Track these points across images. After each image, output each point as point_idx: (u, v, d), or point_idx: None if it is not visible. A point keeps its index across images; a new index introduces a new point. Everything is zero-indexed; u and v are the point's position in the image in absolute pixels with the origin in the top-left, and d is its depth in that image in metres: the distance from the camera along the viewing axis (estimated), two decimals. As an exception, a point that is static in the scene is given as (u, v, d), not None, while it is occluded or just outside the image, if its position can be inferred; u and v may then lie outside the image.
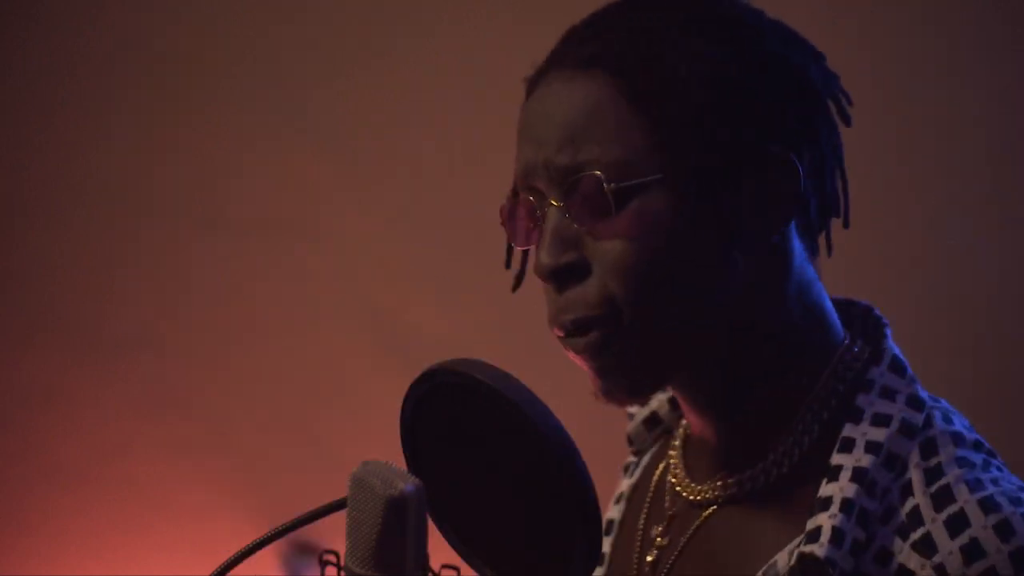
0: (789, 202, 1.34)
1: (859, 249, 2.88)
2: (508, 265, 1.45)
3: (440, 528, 1.29)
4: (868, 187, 2.87)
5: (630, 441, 1.53)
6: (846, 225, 1.40)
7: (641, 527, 1.47)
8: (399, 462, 1.28)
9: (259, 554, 1.27)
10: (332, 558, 1.23)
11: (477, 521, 1.27)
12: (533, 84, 1.43)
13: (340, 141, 3.08)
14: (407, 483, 1.19)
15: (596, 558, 1.23)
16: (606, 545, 1.50)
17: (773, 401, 1.37)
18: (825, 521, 1.29)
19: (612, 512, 1.52)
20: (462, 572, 1.41)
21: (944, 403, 1.38)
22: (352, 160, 3.09)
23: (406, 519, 1.19)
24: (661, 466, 1.47)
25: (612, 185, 1.31)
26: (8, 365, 3.18)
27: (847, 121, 1.41)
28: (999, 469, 1.35)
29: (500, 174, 3.13)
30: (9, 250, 3.16)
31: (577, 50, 1.37)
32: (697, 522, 1.41)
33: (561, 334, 1.36)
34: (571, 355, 1.36)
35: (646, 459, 1.53)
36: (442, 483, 1.26)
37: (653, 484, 1.48)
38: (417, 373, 1.27)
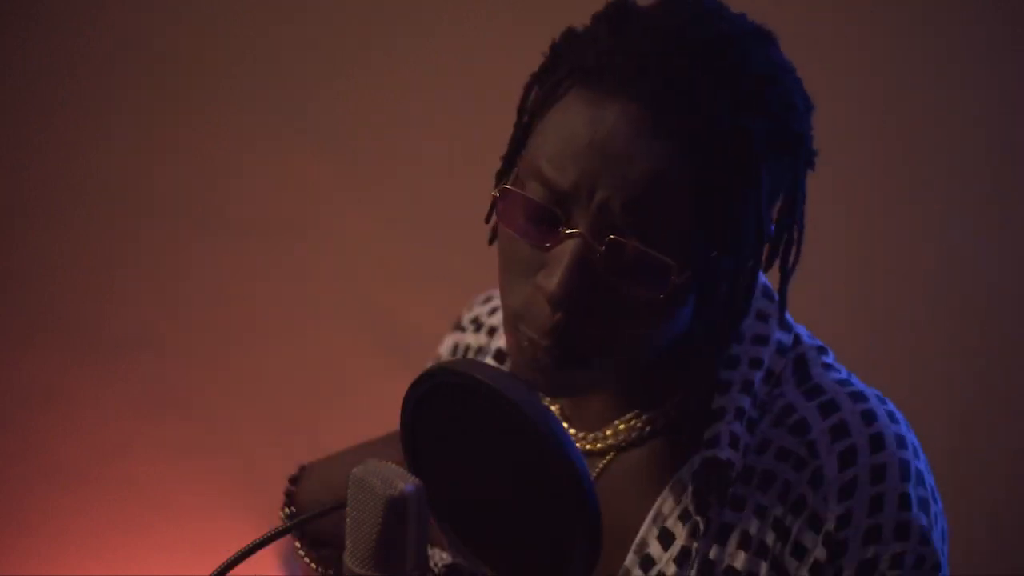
0: (758, 263, 1.41)
1: (859, 249, 2.88)
2: (491, 242, 1.45)
3: (440, 528, 1.29)
4: (868, 187, 2.87)
5: None
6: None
7: None
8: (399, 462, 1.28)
9: (259, 554, 1.27)
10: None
11: (477, 521, 1.27)
12: (585, 91, 1.40)
13: (340, 141, 3.08)
14: (407, 483, 1.19)
15: (596, 558, 1.23)
16: None
17: (665, 361, 1.43)
18: (723, 428, 1.41)
19: None
20: (462, 572, 1.41)
21: (803, 327, 1.50)
22: (352, 160, 3.09)
23: (406, 519, 1.19)
24: None
25: (677, 278, 1.34)
26: (8, 365, 3.17)
27: (812, 166, 1.46)
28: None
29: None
30: (9, 250, 3.16)
31: (652, 96, 1.34)
32: (598, 466, 1.47)
33: (519, 335, 1.36)
34: (514, 344, 1.37)
35: None
36: (442, 483, 1.26)
37: None
38: (417, 373, 1.27)
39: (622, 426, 1.47)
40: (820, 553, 1.38)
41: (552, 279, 1.33)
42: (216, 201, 3.12)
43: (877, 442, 1.39)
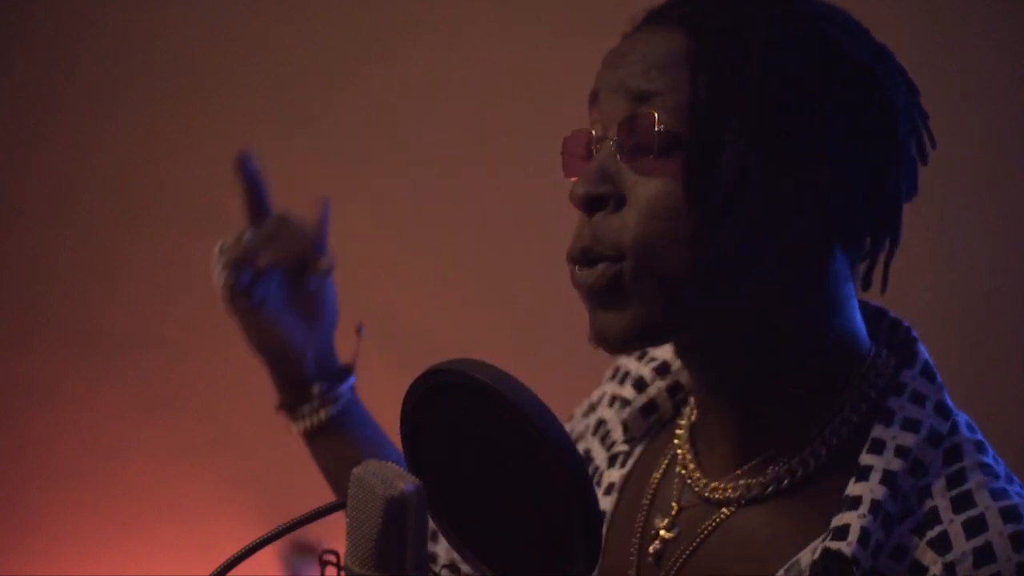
0: (813, 218, 1.34)
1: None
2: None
3: (440, 528, 1.29)
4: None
5: (624, 428, 1.50)
6: (884, 287, 1.44)
7: (642, 519, 1.45)
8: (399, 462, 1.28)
9: (259, 554, 1.27)
10: (332, 558, 1.23)
11: (477, 521, 1.27)
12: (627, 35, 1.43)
13: (340, 141, 3.08)
14: (407, 483, 1.19)
15: (596, 558, 1.23)
16: None
17: (797, 399, 1.37)
18: (854, 520, 1.30)
19: (604, 503, 1.49)
20: (462, 572, 1.41)
21: (964, 415, 1.39)
22: (352, 160, 3.09)
23: (406, 519, 1.19)
24: (665, 459, 1.46)
25: (661, 127, 1.32)
26: (8, 365, 3.18)
27: (924, 159, 1.41)
28: (1022, 487, 1.35)
29: (500, 174, 3.14)
30: (9, 250, 3.16)
31: (669, 12, 1.38)
32: (714, 519, 1.39)
33: (572, 266, 1.37)
34: (578, 291, 1.37)
35: (639, 449, 1.50)
36: (442, 483, 1.26)
37: (657, 476, 1.46)
38: (417, 373, 1.27)
39: (742, 480, 1.38)
40: None
41: (577, 182, 1.36)
42: (216, 201, 3.12)
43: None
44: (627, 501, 1.48)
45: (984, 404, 2.92)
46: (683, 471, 1.43)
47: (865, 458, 1.33)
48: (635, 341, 1.36)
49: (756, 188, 1.32)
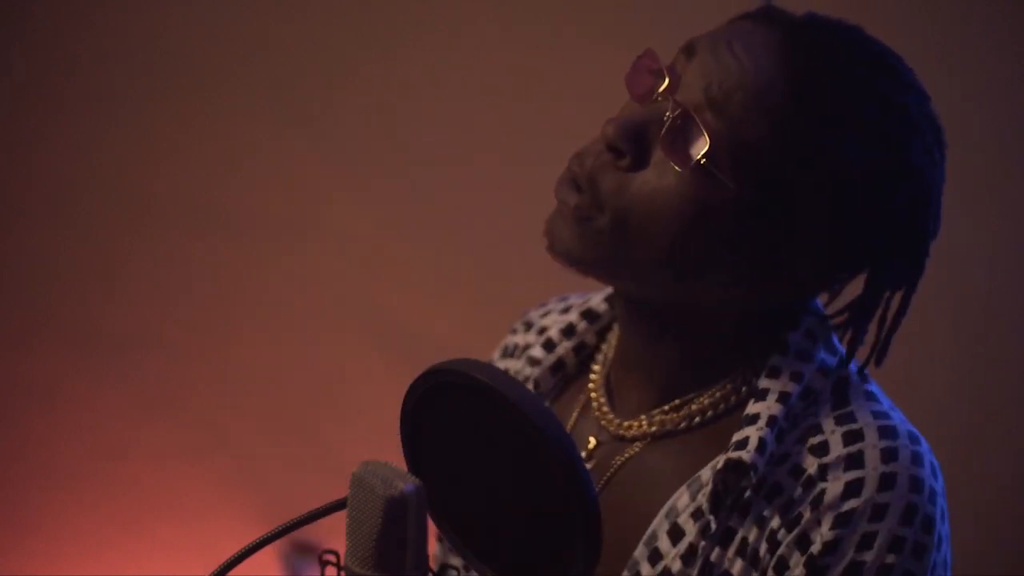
0: (814, 285, 1.46)
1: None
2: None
3: (440, 528, 1.29)
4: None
5: (536, 385, 1.58)
6: (878, 363, 1.50)
7: None
8: (399, 462, 1.28)
9: (259, 554, 1.27)
10: (332, 558, 1.23)
11: (477, 521, 1.27)
12: (751, 10, 1.48)
13: (340, 141, 3.08)
14: (407, 483, 1.19)
15: (596, 558, 1.23)
16: None
17: (718, 355, 1.47)
18: (753, 432, 1.40)
19: None
20: (462, 572, 1.41)
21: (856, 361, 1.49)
22: (352, 160, 3.09)
23: (406, 519, 1.19)
24: (577, 407, 1.55)
25: (704, 160, 1.37)
26: (8, 365, 3.18)
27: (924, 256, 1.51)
28: (905, 421, 1.45)
29: (500, 174, 3.14)
30: (9, 250, 3.16)
31: (801, 34, 1.42)
32: (626, 453, 1.49)
33: (565, 171, 1.44)
34: (555, 193, 1.44)
35: (547, 403, 1.58)
36: (442, 483, 1.26)
37: (571, 422, 1.54)
38: (417, 373, 1.27)
39: (657, 416, 1.48)
40: (799, 572, 1.37)
41: (617, 121, 1.41)
42: (216, 201, 3.12)
43: (888, 480, 1.37)
44: None
45: (984, 404, 2.92)
46: (597, 413, 1.52)
47: (763, 382, 1.43)
48: (573, 264, 1.44)
49: (774, 242, 1.41)
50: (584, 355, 1.59)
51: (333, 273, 3.11)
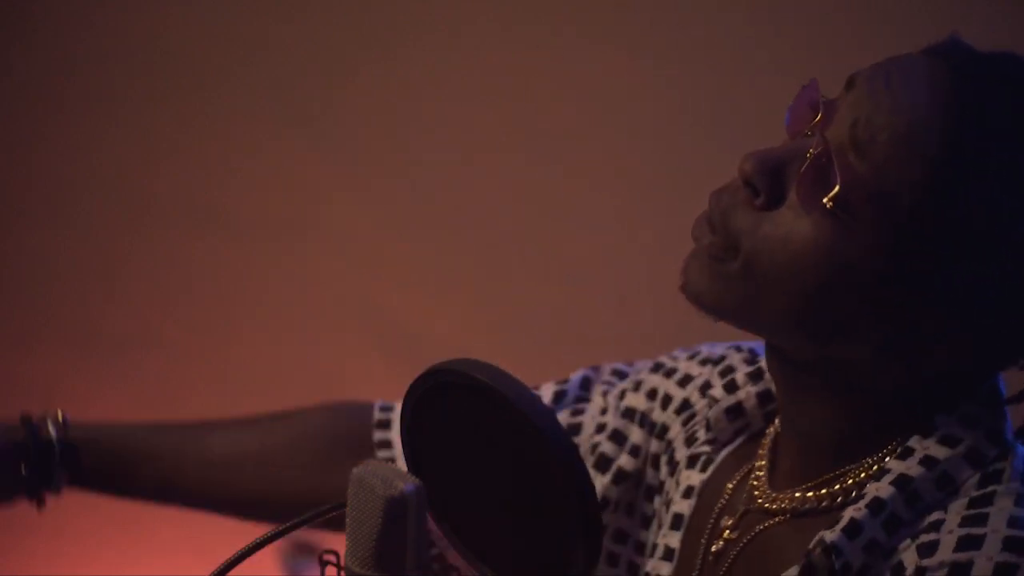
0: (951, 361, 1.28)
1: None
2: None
3: (440, 528, 1.29)
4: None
5: (708, 427, 1.46)
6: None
7: (713, 520, 1.43)
8: (399, 462, 1.28)
9: (259, 554, 1.27)
10: (332, 558, 1.23)
11: (477, 521, 1.27)
12: (933, 45, 1.34)
13: (340, 141, 3.08)
14: (407, 483, 1.19)
15: (596, 558, 1.23)
16: (675, 540, 1.46)
17: (873, 431, 1.33)
18: (849, 512, 1.27)
19: (682, 507, 1.46)
20: (462, 572, 1.41)
21: None
22: (352, 160, 3.09)
23: (406, 519, 1.19)
24: (747, 466, 1.43)
25: (831, 200, 1.25)
26: (8, 365, 3.17)
27: None
28: None
29: (500, 174, 3.14)
30: (9, 250, 3.16)
31: (968, 72, 1.29)
32: (766, 524, 1.38)
33: (704, 212, 1.32)
34: (692, 229, 1.33)
35: (722, 454, 1.47)
36: (442, 483, 1.26)
37: (733, 483, 1.43)
38: (417, 373, 1.27)
39: (798, 494, 1.35)
40: None
41: (758, 156, 1.29)
42: (216, 201, 3.12)
43: None
44: (704, 504, 1.45)
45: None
46: (754, 481, 1.41)
47: (889, 463, 1.29)
48: (703, 308, 1.33)
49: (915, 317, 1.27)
50: (771, 408, 1.44)
51: (333, 273, 3.11)
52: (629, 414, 1.53)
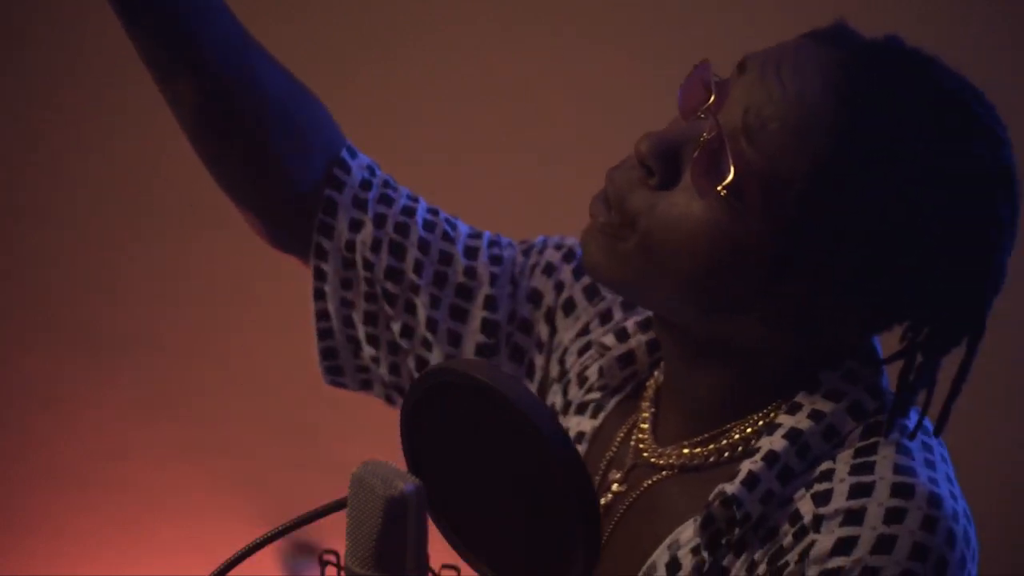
0: (848, 340, 1.34)
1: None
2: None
3: (440, 528, 1.29)
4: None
5: (600, 373, 1.48)
6: (937, 429, 1.36)
7: (601, 472, 1.46)
8: (399, 462, 1.28)
9: (259, 554, 1.27)
10: (332, 558, 1.23)
11: (477, 521, 1.27)
12: (820, 29, 1.38)
13: (340, 141, 3.08)
14: (407, 483, 1.19)
15: (596, 558, 1.23)
16: None
17: (757, 391, 1.37)
18: (746, 465, 1.32)
19: None
20: (462, 572, 1.41)
21: (918, 409, 1.36)
22: (352, 160, 3.09)
23: (406, 519, 1.19)
24: (633, 416, 1.47)
25: (724, 188, 1.29)
26: (8, 365, 3.18)
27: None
28: (949, 481, 1.32)
29: (500, 174, 3.14)
30: (9, 250, 3.16)
31: (857, 61, 1.32)
32: (654, 480, 1.41)
33: (601, 190, 1.36)
34: (590, 205, 1.37)
35: (612, 402, 1.50)
36: (442, 483, 1.26)
37: (622, 433, 1.47)
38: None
39: (687, 449, 1.39)
40: None
41: (654, 136, 1.33)
42: (216, 201, 3.12)
43: (885, 543, 1.24)
44: (594, 452, 1.48)
45: (983, 404, 2.92)
46: (640, 435, 1.44)
47: (779, 418, 1.34)
48: (601, 282, 1.39)
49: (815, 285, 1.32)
50: (657, 356, 1.48)
51: (333, 273, 3.11)
52: (535, 299, 1.56)
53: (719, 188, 1.28)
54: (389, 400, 1.63)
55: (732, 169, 1.28)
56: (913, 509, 1.25)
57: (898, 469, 1.28)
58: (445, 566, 1.22)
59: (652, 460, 1.41)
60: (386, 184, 1.60)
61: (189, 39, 1.55)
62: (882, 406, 1.34)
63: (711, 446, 1.38)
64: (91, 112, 3.11)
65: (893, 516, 1.25)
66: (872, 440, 1.31)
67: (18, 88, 3.12)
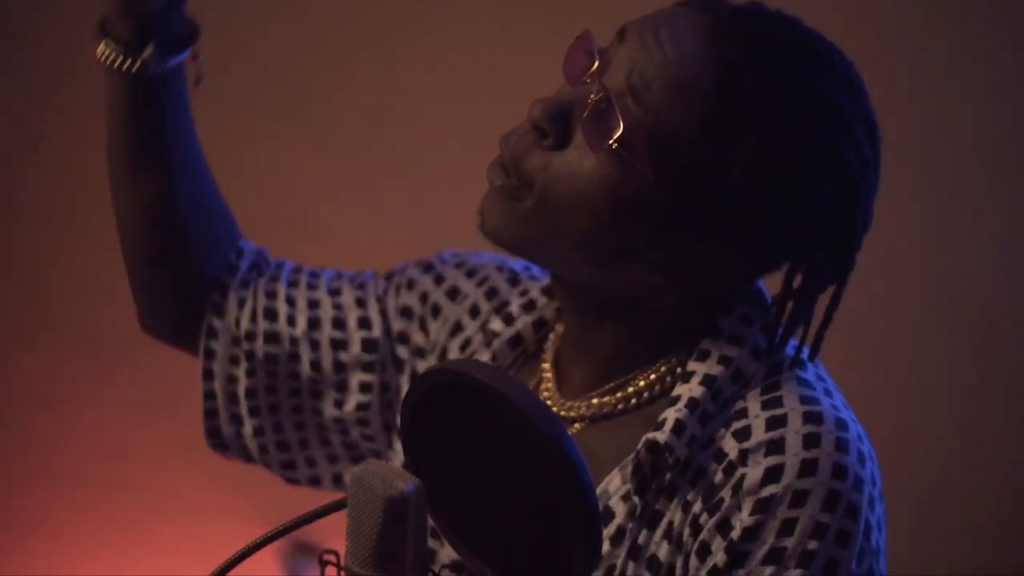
0: (742, 277, 1.45)
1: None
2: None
3: (440, 528, 1.29)
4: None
5: (493, 358, 1.56)
6: (812, 354, 1.47)
7: None
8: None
9: (259, 554, 1.27)
10: (332, 558, 1.23)
11: (477, 521, 1.27)
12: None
13: (341, 140, 3.08)
14: (407, 483, 1.19)
15: (596, 558, 1.23)
16: None
17: (655, 335, 1.47)
18: (671, 414, 1.41)
19: None
20: (462, 572, 1.41)
21: (795, 340, 1.47)
22: (352, 159, 3.09)
23: (406, 519, 1.19)
24: (534, 379, 1.54)
25: (614, 143, 1.38)
26: (8, 365, 3.17)
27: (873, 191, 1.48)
28: (845, 407, 1.43)
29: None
30: (9, 250, 3.16)
31: (728, 26, 1.42)
32: None
33: (502, 147, 1.46)
34: (487, 171, 1.47)
35: (511, 373, 1.57)
36: (443, 483, 1.26)
37: None
38: (417, 373, 1.27)
39: (595, 399, 1.48)
40: (720, 558, 1.36)
41: (546, 101, 1.43)
42: (216, 201, 3.12)
43: (808, 467, 1.36)
44: None
45: (984, 403, 2.92)
46: (545, 392, 1.52)
47: (690, 365, 1.44)
48: (500, 244, 1.47)
49: (699, 224, 1.41)
50: (544, 332, 1.58)
51: (333, 273, 3.11)
52: (406, 313, 1.68)
53: (610, 143, 1.38)
54: (286, 477, 1.76)
55: (621, 124, 1.38)
56: (825, 433, 1.37)
57: (803, 399, 1.40)
58: (445, 566, 1.22)
59: (562, 413, 1.49)
60: (262, 260, 1.76)
61: (166, 142, 1.76)
62: (778, 345, 1.45)
63: (618, 394, 1.47)
64: (91, 112, 3.10)
65: (810, 441, 1.37)
66: (774, 378, 1.42)
67: (18, 88, 3.12)
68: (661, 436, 1.40)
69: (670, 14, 1.44)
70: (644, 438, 1.41)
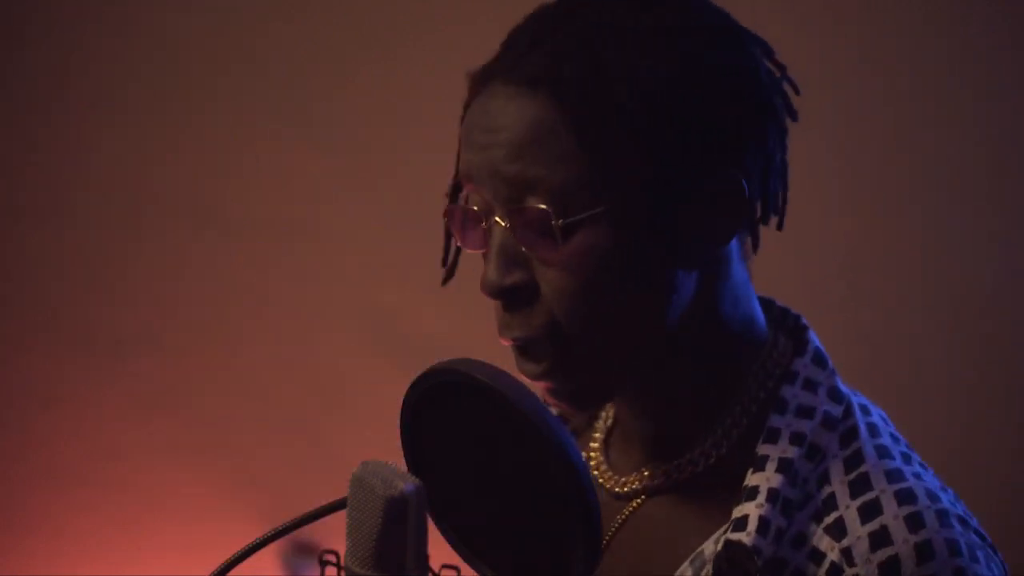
0: (735, 216, 1.34)
1: (858, 250, 2.88)
2: (445, 263, 1.48)
3: (440, 528, 1.29)
4: (867, 186, 2.87)
5: None
6: (780, 227, 1.40)
7: None
8: (399, 462, 1.28)
9: (259, 554, 1.27)
10: (332, 558, 1.23)
11: (477, 521, 1.27)
12: (477, 87, 1.43)
13: (340, 141, 3.08)
14: (407, 483, 1.19)
15: (596, 559, 1.23)
16: None
17: (703, 396, 1.38)
18: (752, 510, 1.32)
19: None
20: (462, 572, 1.41)
21: (861, 396, 1.40)
22: (352, 160, 3.09)
23: (406, 519, 1.19)
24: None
25: (560, 221, 1.30)
26: (8, 365, 3.17)
27: (793, 116, 1.40)
28: (922, 466, 1.37)
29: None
30: (9, 250, 3.16)
31: (520, 63, 1.38)
32: (623, 514, 1.42)
33: (508, 344, 1.37)
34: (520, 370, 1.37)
35: None
36: (442, 483, 1.26)
37: None
38: (417, 373, 1.27)
39: (647, 472, 1.41)
40: None
41: (487, 271, 1.35)
42: (216, 201, 3.12)
43: (924, 551, 1.27)
44: None
45: (984, 403, 2.92)
46: (596, 472, 1.45)
47: (762, 448, 1.34)
48: (587, 410, 1.42)
49: (668, 232, 1.33)
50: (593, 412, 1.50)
51: (334, 273, 3.11)
52: None
53: (556, 233, 1.30)
54: None
55: (555, 223, 1.29)
56: (924, 511, 1.29)
57: (890, 476, 1.32)
58: (445, 566, 1.22)
59: (617, 491, 1.42)
60: None
61: None
62: (847, 409, 1.37)
63: (675, 463, 1.39)
64: (91, 112, 3.11)
65: (913, 523, 1.29)
66: (854, 447, 1.34)
67: (18, 88, 3.12)
68: (746, 538, 1.31)
69: (478, 111, 1.38)
70: (724, 538, 1.32)
